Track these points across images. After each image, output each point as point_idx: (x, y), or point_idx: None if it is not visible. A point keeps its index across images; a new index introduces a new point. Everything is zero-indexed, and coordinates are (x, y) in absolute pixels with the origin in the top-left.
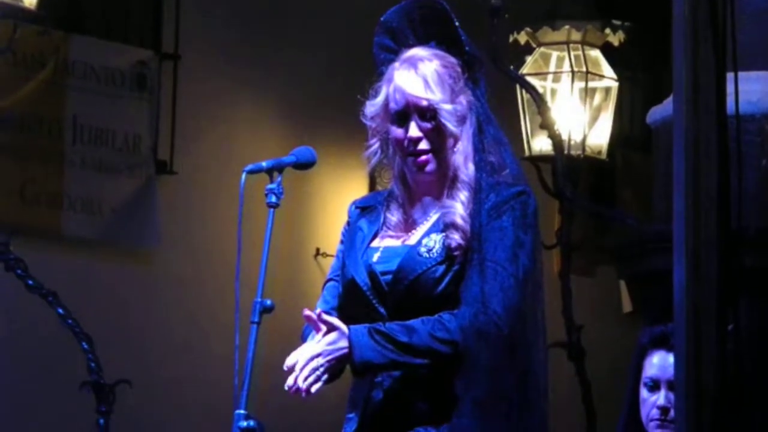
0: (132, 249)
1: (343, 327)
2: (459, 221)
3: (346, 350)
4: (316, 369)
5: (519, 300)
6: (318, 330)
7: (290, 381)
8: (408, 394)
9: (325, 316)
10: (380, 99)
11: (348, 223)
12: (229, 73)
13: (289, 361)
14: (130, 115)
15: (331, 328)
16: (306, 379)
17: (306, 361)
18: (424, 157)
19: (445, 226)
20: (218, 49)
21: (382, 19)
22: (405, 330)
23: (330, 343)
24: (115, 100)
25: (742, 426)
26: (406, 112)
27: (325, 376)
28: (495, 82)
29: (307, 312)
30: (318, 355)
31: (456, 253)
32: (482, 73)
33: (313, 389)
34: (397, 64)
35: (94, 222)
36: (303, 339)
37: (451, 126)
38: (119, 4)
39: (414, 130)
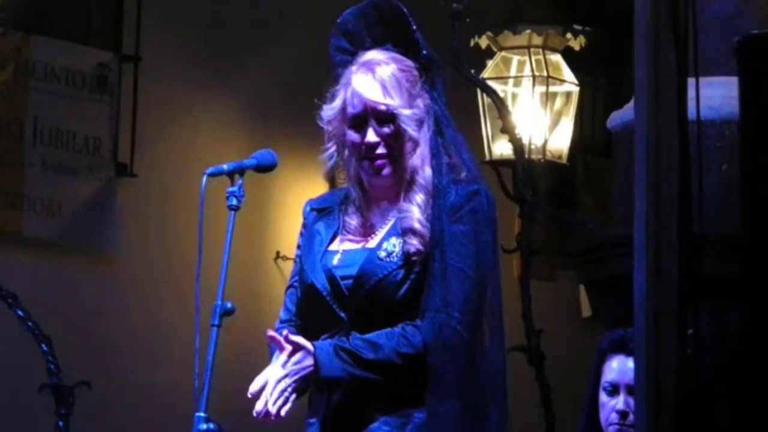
0: (92, 251)
1: (309, 345)
2: (417, 226)
3: (311, 368)
4: (284, 391)
5: (480, 306)
6: (282, 350)
7: (258, 406)
8: (369, 396)
9: (292, 337)
10: (337, 103)
11: (304, 226)
12: (189, 75)
13: (253, 387)
14: (91, 117)
15: (297, 348)
16: (275, 402)
17: (274, 384)
18: (380, 162)
19: (403, 231)
20: (179, 52)
21: (338, 20)
22: (370, 347)
23: (296, 363)
24: (75, 102)
25: (700, 431)
26: (364, 116)
27: (293, 396)
28: (456, 86)
29: (270, 333)
30: (285, 377)
31: (414, 258)
32: (440, 75)
33: (283, 412)
34: (354, 68)
35: (54, 223)
36: (270, 351)
37: (411, 131)
38: (80, 6)
39: (371, 136)
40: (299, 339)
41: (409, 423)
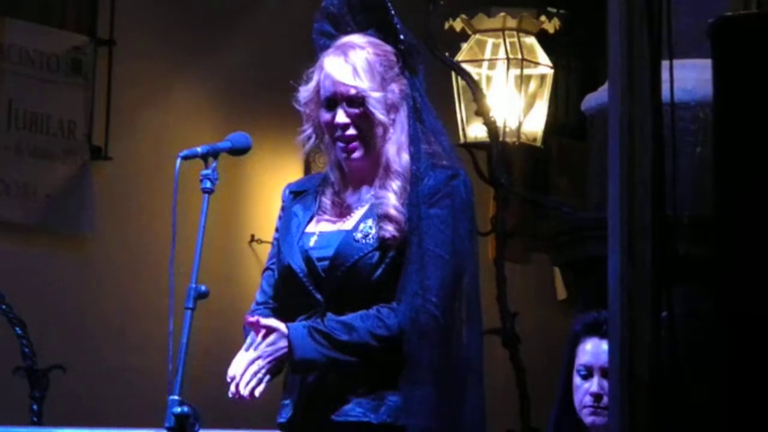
0: (67, 234)
1: (282, 327)
2: (392, 212)
3: (285, 350)
4: (256, 372)
5: (457, 290)
6: (258, 333)
7: (233, 388)
8: (343, 378)
9: (263, 321)
10: (312, 85)
11: (282, 209)
12: (164, 59)
13: (231, 372)
14: (66, 101)
15: (270, 330)
16: (247, 384)
17: (245, 366)
18: (352, 144)
19: (378, 218)
20: (153, 36)
21: (322, 4)
22: (345, 328)
23: (269, 344)
24: (50, 85)
25: (675, 412)
26: (335, 98)
27: (267, 377)
28: (430, 69)
29: (249, 319)
30: (258, 358)
31: (390, 243)
32: (420, 62)
33: (257, 392)
34: (329, 50)
35: (28, 207)
36: (245, 334)
37: (378, 114)
38: None
39: (341, 117)
40: (272, 321)
41: (383, 405)
